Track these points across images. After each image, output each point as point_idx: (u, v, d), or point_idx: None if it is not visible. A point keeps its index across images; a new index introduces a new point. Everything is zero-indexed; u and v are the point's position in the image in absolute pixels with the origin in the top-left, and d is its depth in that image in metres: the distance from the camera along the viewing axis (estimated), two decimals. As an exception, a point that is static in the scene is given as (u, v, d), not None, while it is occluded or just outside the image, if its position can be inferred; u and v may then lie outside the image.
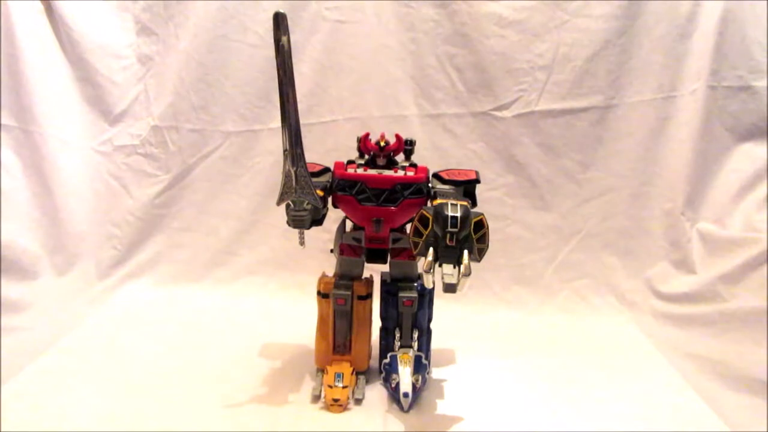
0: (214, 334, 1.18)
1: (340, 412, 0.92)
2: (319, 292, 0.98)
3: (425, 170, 0.92)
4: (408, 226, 0.92)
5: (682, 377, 1.07)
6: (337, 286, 0.97)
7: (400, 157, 0.94)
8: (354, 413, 0.92)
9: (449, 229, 0.77)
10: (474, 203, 0.91)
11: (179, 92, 1.38)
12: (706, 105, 1.32)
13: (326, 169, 0.95)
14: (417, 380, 0.92)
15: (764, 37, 1.29)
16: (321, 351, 0.99)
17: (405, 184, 0.90)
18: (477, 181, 0.93)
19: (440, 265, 0.78)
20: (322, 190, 0.88)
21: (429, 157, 1.31)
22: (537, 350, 1.16)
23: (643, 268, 1.37)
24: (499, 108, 1.34)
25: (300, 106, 0.76)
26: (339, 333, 0.98)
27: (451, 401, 0.97)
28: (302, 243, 0.89)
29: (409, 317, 0.97)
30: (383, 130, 0.92)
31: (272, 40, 0.72)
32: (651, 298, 1.33)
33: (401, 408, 0.93)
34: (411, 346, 0.98)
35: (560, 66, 1.32)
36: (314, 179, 0.86)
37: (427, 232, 0.79)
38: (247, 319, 1.26)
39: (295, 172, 0.78)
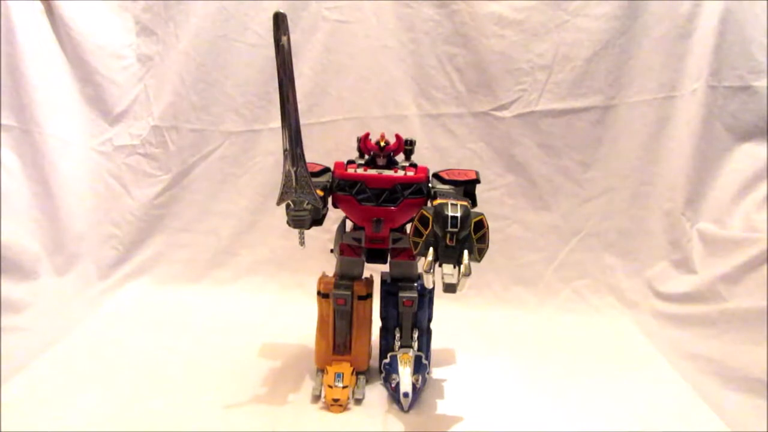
0: (214, 334, 1.17)
1: (340, 412, 0.92)
2: (319, 292, 0.98)
3: (425, 170, 0.92)
4: (408, 226, 0.92)
5: (682, 377, 1.07)
6: (337, 286, 0.97)
7: (400, 157, 0.94)
8: (354, 413, 0.92)
9: (449, 229, 0.77)
10: (474, 203, 0.91)
11: (179, 92, 1.38)
12: (706, 105, 1.32)
13: (326, 169, 0.95)
14: (417, 380, 0.92)
15: (764, 37, 1.29)
16: (321, 351, 0.99)
17: (405, 184, 0.90)
18: (477, 181, 0.93)
19: (440, 265, 0.78)
20: (322, 190, 0.88)
21: (429, 157, 1.31)
22: (537, 350, 1.16)
23: (643, 268, 1.37)
24: (499, 108, 1.34)
25: (300, 106, 0.77)
26: (339, 333, 0.98)
27: (451, 401, 0.97)
28: (302, 243, 0.89)
29: (409, 317, 0.97)
30: (383, 130, 0.92)
31: (272, 40, 0.72)
32: (651, 298, 1.33)
33: (401, 408, 0.93)
34: (411, 346, 0.98)
35: (560, 66, 1.32)
36: (314, 179, 0.86)
37: (427, 232, 0.79)
38: (247, 319, 1.25)
39: (295, 172, 0.78)
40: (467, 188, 0.93)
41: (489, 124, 1.35)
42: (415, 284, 0.97)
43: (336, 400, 0.91)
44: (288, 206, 0.82)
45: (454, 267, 0.78)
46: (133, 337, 1.15)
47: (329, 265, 1.02)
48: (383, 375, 0.98)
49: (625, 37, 1.30)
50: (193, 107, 1.38)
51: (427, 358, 1.00)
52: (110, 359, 1.06)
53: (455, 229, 0.77)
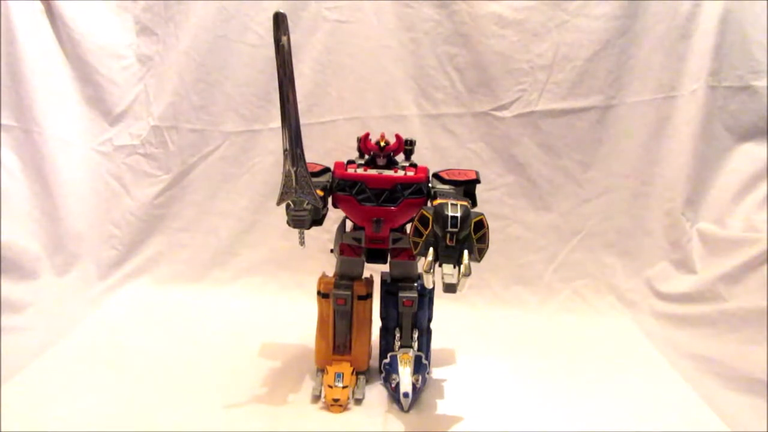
0: (213, 334, 1.17)
1: (340, 412, 0.92)
2: (319, 292, 0.98)
3: (425, 170, 0.92)
4: (408, 226, 0.92)
5: (682, 377, 1.07)
6: (337, 286, 0.97)
7: (400, 157, 0.94)
8: (354, 413, 0.92)
9: (449, 229, 0.77)
10: (474, 203, 0.91)
11: (179, 92, 1.38)
12: (706, 105, 1.32)
13: (326, 169, 0.95)
14: (417, 380, 0.92)
15: (764, 37, 1.29)
16: (321, 351, 0.99)
17: (405, 184, 0.90)
18: (477, 181, 0.93)
19: (440, 265, 0.78)
20: (322, 190, 0.88)
21: (429, 157, 1.31)
22: (537, 350, 1.16)
23: (643, 268, 1.37)
24: (499, 108, 1.34)
25: (300, 106, 0.77)
26: (339, 333, 0.98)
27: (451, 401, 0.97)
28: (302, 243, 0.89)
29: (409, 317, 0.97)
30: (383, 130, 0.92)
31: (272, 40, 0.72)
32: (651, 298, 1.33)
33: (401, 408, 0.93)
34: (411, 346, 0.98)
35: (560, 66, 1.32)
36: (314, 179, 0.86)
37: (427, 232, 0.79)
38: (247, 319, 1.25)
39: (295, 172, 0.78)
40: (467, 188, 0.93)
41: (489, 124, 1.35)
42: (415, 284, 0.97)
43: (336, 400, 0.91)
44: (288, 206, 0.82)
45: (454, 267, 0.78)
46: (133, 337, 1.15)
47: (329, 265, 1.02)
48: (383, 375, 0.98)
49: (625, 37, 1.30)
50: (193, 107, 1.38)
51: (427, 358, 1.00)
52: (110, 359, 1.06)
53: (455, 229, 0.77)
